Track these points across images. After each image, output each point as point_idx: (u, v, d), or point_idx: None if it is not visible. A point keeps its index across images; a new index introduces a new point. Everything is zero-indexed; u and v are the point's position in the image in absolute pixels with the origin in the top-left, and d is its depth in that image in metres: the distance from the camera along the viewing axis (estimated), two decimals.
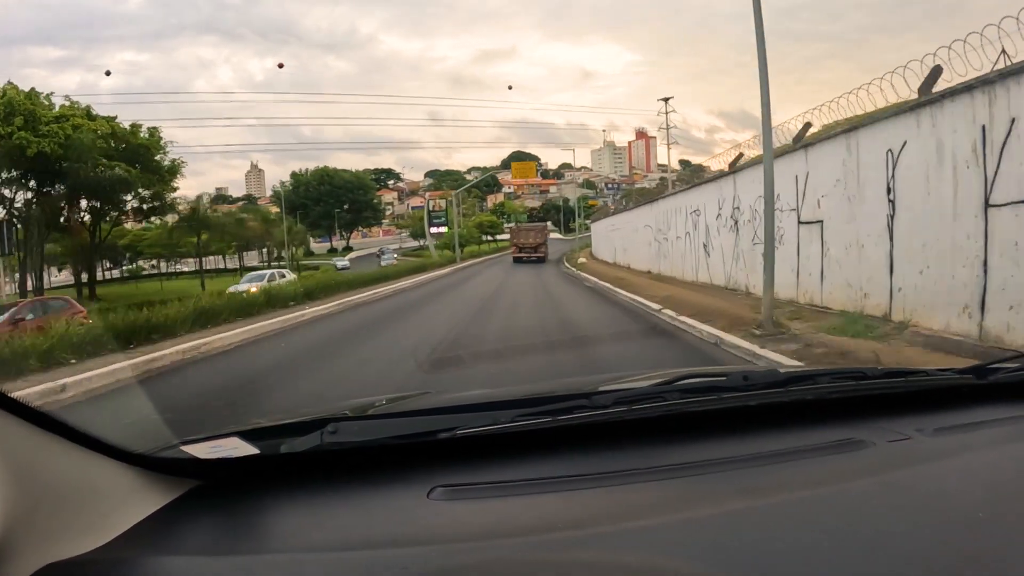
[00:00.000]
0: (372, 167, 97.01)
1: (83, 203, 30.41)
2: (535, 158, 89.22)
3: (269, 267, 36.70)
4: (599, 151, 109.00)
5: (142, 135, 30.92)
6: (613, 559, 0.69)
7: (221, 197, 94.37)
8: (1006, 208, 5.61)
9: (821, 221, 9.10)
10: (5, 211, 26.29)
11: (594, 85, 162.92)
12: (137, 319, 8.59)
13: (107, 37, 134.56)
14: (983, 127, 5.87)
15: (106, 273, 53.74)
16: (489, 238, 64.16)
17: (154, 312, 8.92)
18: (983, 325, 5.81)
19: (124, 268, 54.68)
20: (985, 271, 5.83)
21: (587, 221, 43.85)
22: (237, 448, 0.92)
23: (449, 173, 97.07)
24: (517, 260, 34.35)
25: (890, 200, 7.61)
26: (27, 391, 4.94)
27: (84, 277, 31.35)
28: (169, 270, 55.23)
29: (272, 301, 11.94)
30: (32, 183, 27.41)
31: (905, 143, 7.20)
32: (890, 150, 7.58)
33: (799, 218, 9.67)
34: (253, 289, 13.89)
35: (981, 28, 6.02)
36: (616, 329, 8.47)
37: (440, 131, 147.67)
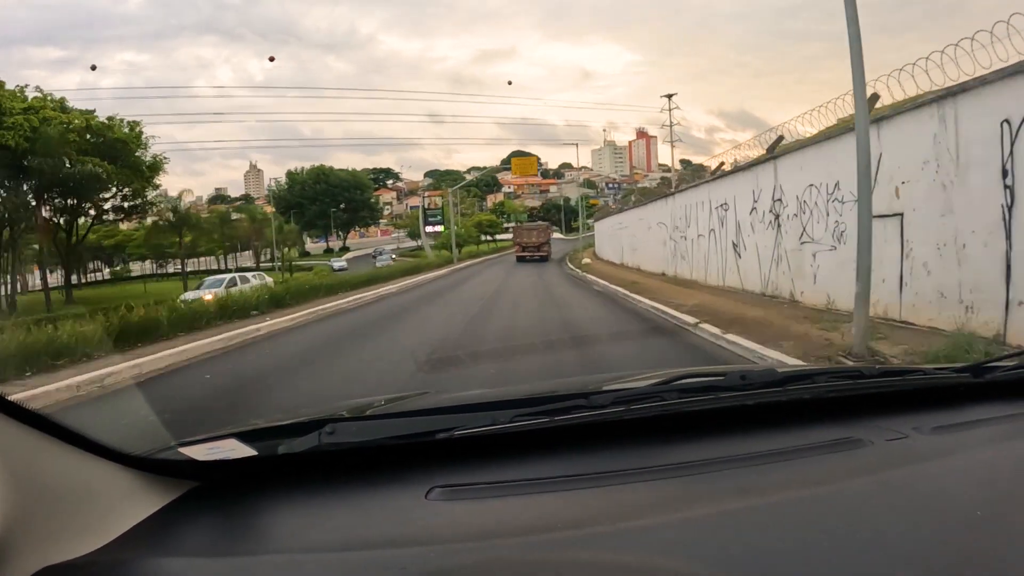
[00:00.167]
0: (372, 167, 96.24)
1: (58, 201, 28.68)
2: (535, 157, 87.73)
3: (259, 268, 35.01)
4: (599, 151, 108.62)
5: (123, 130, 29.03)
6: (611, 559, 0.69)
7: (220, 197, 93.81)
8: None
9: (900, 214, 7.25)
10: None
11: (594, 85, 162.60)
12: (38, 339, 6.77)
13: (107, 37, 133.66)
14: None
15: (91, 275, 52.38)
16: (488, 238, 62.73)
17: (64, 330, 7.10)
18: None
19: (110, 270, 53.12)
20: None
21: (589, 220, 42.41)
22: (235, 449, 0.92)
23: (449, 173, 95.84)
24: (520, 259, 34.69)
25: (1007, 186, 5.80)
26: None
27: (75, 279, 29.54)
28: (160, 271, 53.67)
29: (227, 311, 10.07)
30: None
31: None
32: (1006, 121, 5.77)
33: (868, 211, 7.82)
34: (208, 297, 11.99)
35: None
36: (645, 352, 6.58)
37: (440, 130, 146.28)
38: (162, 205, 34.23)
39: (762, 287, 10.87)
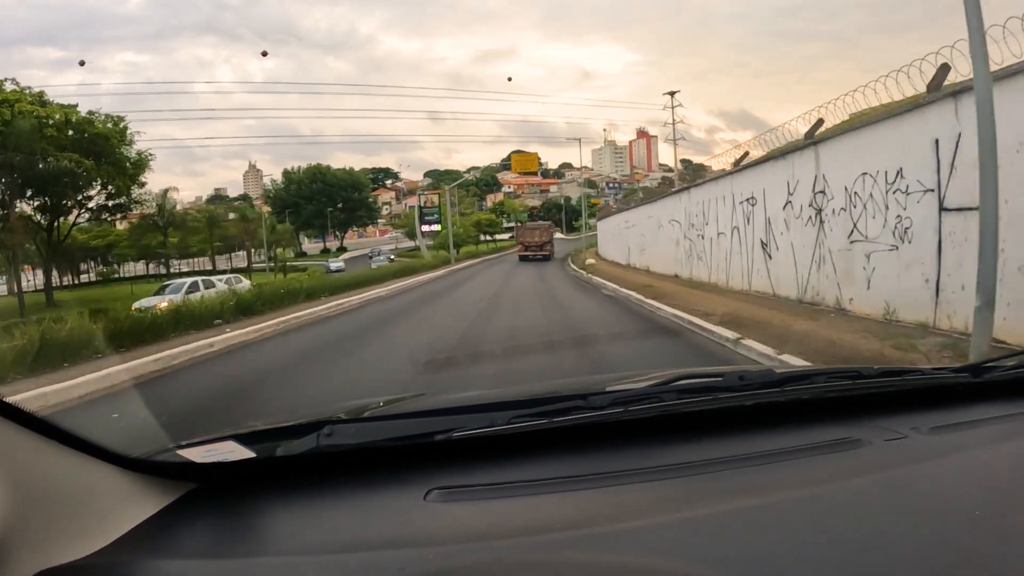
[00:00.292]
0: (371, 167, 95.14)
1: (35, 200, 27.31)
2: (536, 155, 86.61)
3: (251, 268, 33.67)
4: (600, 150, 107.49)
5: (106, 125, 27.60)
6: (610, 559, 0.68)
7: (218, 197, 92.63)
8: None
9: None
10: None
11: (594, 85, 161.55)
12: None
13: (107, 37, 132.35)
14: None
15: (83, 276, 51.08)
16: (488, 237, 61.30)
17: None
18: None
19: (97, 271, 51.77)
20: None
21: (591, 219, 41.13)
22: (233, 451, 0.91)
23: (448, 173, 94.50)
24: (523, 258, 34.75)
25: None
26: None
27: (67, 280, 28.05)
28: (153, 272, 52.37)
29: (183, 322, 8.68)
30: None
31: None
32: None
33: (941, 203, 6.46)
34: (163, 305, 10.60)
35: None
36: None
37: (440, 130, 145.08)
38: (147, 203, 32.72)
39: (799, 292, 9.48)
